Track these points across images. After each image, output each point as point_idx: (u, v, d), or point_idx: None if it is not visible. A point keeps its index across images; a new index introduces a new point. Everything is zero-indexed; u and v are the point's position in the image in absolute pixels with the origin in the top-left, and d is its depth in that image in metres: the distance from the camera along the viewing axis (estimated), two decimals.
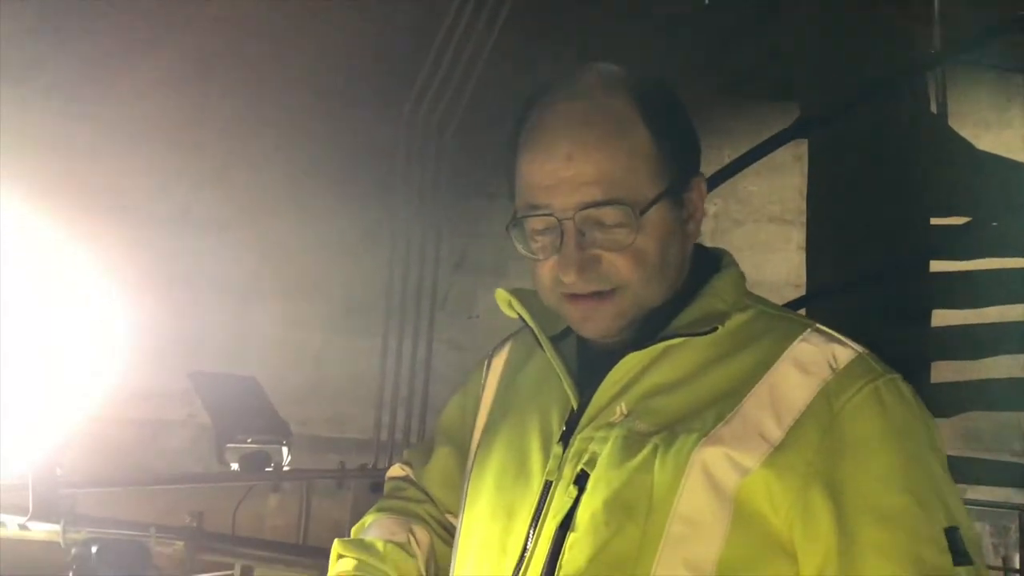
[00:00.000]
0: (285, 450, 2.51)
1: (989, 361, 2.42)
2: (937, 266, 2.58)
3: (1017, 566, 2.67)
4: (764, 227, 4.08)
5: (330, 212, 4.16)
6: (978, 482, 2.40)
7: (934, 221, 2.58)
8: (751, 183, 3.98)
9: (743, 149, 2.68)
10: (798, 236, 3.75)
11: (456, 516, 1.02)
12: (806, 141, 3.04)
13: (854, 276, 2.47)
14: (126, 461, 3.57)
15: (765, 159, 2.64)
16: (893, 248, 2.51)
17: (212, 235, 3.96)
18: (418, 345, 3.97)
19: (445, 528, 1.09)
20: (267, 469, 2.43)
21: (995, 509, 2.72)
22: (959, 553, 0.77)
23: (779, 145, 2.56)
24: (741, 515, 0.79)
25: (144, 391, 3.77)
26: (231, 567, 1.62)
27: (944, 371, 2.49)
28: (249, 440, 2.44)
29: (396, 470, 1.19)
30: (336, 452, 3.41)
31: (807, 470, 0.79)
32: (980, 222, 2.46)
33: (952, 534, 0.78)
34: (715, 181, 2.50)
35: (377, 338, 3.96)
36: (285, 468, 2.49)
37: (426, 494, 1.12)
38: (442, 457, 1.11)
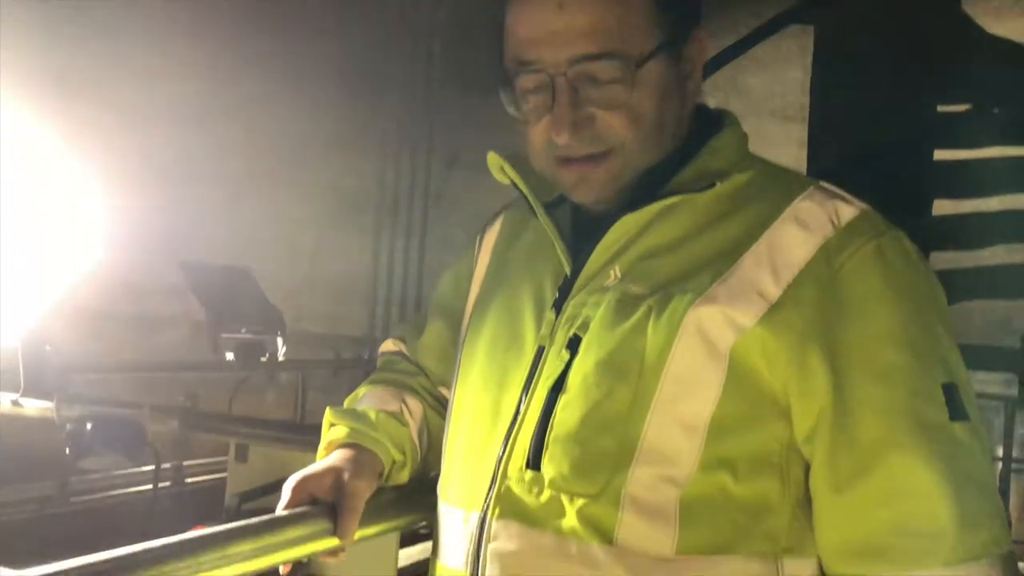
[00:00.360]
0: (280, 340, 2.51)
1: (985, 251, 2.41)
2: (941, 155, 2.54)
3: (1000, 455, 2.74)
4: (765, 122, 4.00)
5: (321, 107, 4.06)
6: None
7: (941, 108, 2.51)
8: (752, 76, 3.88)
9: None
10: (799, 132, 3.68)
11: (449, 389, 1.01)
12: (811, 32, 2.94)
13: (855, 167, 2.42)
14: (120, 356, 3.59)
15: (768, 52, 2.55)
16: (897, 138, 2.46)
17: (203, 128, 3.87)
18: (411, 243, 3.95)
19: (438, 400, 1.09)
20: (262, 359, 2.43)
21: (981, 401, 2.76)
22: (956, 409, 0.77)
23: (783, 25, 2.47)
24: (735, 374, 0.78)
25: (138, 287, 3.76)
26: (226, 450, 1.63)
27: (942, 261, 2.48)
28: (243, 330, 2.43)
29: (389, 345, 1.18)
30: (331, 349, 3.43)
31: (804, 328, 0.77)
32: (981, 108, 2.41)
33: (950, 390, 0.77)
34: (716, 66, 2.42)
35: (370, 235, 3.94)
36: (280, 359, 2.49)
37: (419, 367, 1.11)
38: (435, 331, 1.10)
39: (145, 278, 3.72)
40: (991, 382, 2.80)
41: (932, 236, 2.44)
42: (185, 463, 2.28)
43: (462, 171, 4.11)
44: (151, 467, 2.04)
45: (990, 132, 2.38)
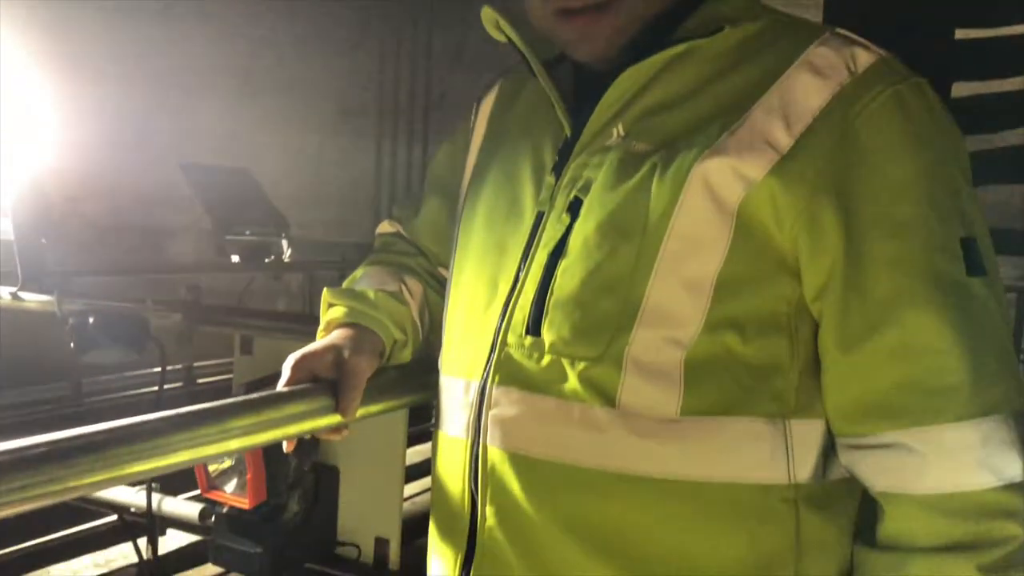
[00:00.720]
0: (285, 242, 2.50)
1: (1002, 133, 2.33)
2: (962, 34, 2.43)
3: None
4: (779, 9, 3.86)
5: (320, 9, 3.92)
6: None
7: None
8: None
9: None
10: (815, 19, 3.56)
11: (448, 269, 0.99)
12: None
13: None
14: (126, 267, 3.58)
15: None
16: (917, 17, 2.34)
17: (198, 28, 3.76)
18: (413, 146, 3.88)
19: (438, 280, 1.06)
20: (267, 260, 2.43)
21: None
22: (974, 263, 0.73)
23: None
24: (742, 230, 0.74)
25: (145, 198, 3.72)
26: (230, 350, 1.62)
27: None
28: (248, 232, 2.42)
29: (386, 226, 1.15)
30: (336, 255, 3.41)
31: (816, 180, 0.73)
32: None
33: (968, 244, 0.74)
34: None
35: (372, 140, 3.86)
36: (286, 259, 2.49)
37: (417, 248, 1.09)
38: (432, 209, 1.07)
39: (152, 189, 3.69)
40: (1004, 275, 2.75)
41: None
42: (195, 364, 2.29)
43: (466, 69, 4.00)
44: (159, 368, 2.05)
45: (1012, 9, 2.26)
